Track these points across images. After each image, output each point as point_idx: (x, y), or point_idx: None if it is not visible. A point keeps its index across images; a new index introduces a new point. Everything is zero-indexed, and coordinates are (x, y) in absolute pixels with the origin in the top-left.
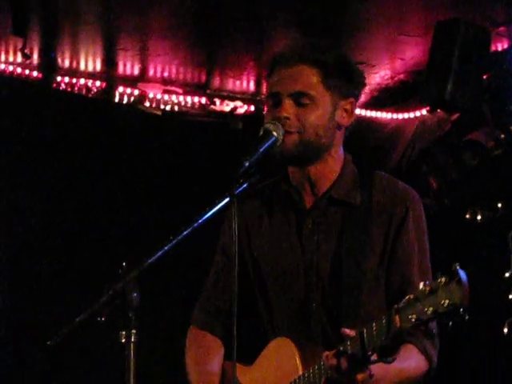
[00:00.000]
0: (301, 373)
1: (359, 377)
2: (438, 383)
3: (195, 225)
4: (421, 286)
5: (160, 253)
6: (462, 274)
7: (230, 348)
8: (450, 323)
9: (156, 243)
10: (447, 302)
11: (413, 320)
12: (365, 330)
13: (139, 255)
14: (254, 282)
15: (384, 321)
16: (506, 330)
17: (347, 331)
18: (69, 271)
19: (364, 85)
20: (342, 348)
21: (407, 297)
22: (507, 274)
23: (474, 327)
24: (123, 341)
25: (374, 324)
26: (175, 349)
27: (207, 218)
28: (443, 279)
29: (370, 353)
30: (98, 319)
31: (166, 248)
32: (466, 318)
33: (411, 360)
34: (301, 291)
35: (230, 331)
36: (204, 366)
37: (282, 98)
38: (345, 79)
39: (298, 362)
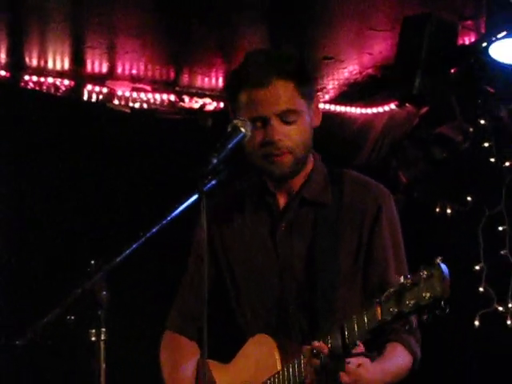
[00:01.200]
0: (279, 368)
1: (344, 378)
2: (409, 376)
3: (164, 222)
4: (402, 279)
5: (129, 250)
6: (444, 268)
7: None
8: (431, 316)
9: (124, 241)
10: (428, 294)
11: (394, 313)
12: (345, 324)
13: (108, 253)
14: (229, 285)
15: (365, 314)
16: (477, 323)
17: (316, 344)
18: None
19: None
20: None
21: (388, 290)
22: (477, 267)
23: (444, 321)
24: (93, 339)
25: (354, 317)
26: (145, 347)
27: (176, 215)
28: (425, 272)
29: (350, 346)
30: (68, 318)
31: (134, 246)
32: (447, 310)
33: (399, 358)
34: (276, 294)
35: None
36: (179, 372)
37: (268, 119)
38: (311, 82)
39: (277, 357)
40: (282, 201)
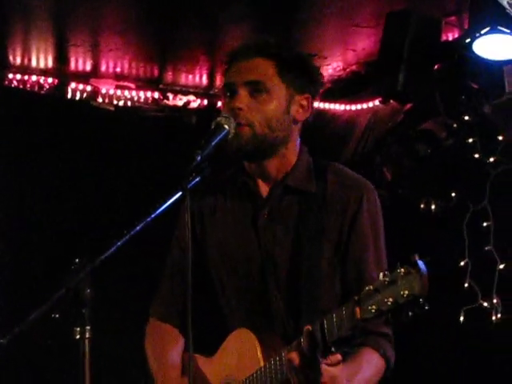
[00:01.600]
0: (262, 364)
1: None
2: (393, 373)
3: (148, 219)
4: (380, 276)
5: (113, 248)
6: (422, 265)
7: (189, 339)
8: (410, 314)
9: (109, 238)
10: (407, 292)
11: (373, 311)
12: (325, 322)
13: (92, 250)
14: (214, 276)
15: (344, 312)
16: (462, 319)
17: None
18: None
19: (321, 83)
20: (302, 340)
21: (367, 288)
22: (462, 263)
23: (430, 316)
24: (77, 337)
25: (333, 315)
26: (130, 344)
27: (160, 212)
28: (402, 270)
29: (330, 344)
30: (53, 316)
31: (119, 243)
32: (426, 308)
33: (372, 364)
34: (258, 282)
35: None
36: (164, 358)
37: (237, 88)
38: (301, 74)
39: (258, 353)
40: (264, 189)
